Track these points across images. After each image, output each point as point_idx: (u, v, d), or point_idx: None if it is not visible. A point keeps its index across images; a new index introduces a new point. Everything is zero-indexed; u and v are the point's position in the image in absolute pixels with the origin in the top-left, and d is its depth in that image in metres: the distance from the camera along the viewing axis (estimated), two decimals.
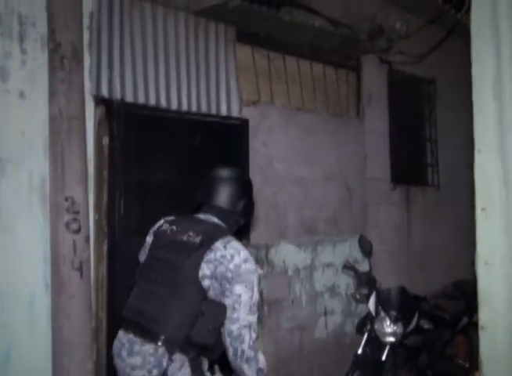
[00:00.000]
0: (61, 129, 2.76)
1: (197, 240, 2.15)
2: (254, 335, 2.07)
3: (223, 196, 2.30)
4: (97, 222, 3.13)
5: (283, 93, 4.27)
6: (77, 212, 2.78)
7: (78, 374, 2.71)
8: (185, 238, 2.18)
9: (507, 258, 2.04)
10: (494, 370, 2.04)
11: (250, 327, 2.06)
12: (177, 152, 3.57)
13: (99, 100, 3.15)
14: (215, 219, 2.29)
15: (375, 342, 3.70)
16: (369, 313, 3.76)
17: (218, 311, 2.08)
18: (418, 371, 4.09)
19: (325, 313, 4.54)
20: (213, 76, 3.79)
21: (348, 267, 3.97)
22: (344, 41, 4.51)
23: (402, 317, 3.67)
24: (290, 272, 4.26)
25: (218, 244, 2.12)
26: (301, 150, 4.35)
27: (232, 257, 2.10)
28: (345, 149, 4.71)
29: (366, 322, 3.78)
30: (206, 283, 2.09)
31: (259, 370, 2.11)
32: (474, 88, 2.09)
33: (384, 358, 3.61)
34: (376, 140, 5.09)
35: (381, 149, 5.16)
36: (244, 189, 2.37)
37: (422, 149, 5.80)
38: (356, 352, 3.66)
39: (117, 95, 3.26)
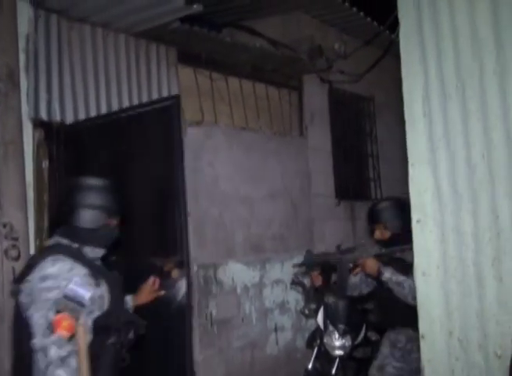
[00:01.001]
0: None
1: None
2: (51, 357, 1.80)
3: (69, 211, 2.00)
4: (38, 248, 3.05)
5: (226, 113, 4.32)
6: (16, 238, 2.70)
7: None
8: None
9: (442, 268, 2.12)
10: None
11: (44, 350, 1.80)
12: (122, 170, 3.27)
13: (38, 123, 3.11)
14: (59, 239, 2.01)
15: (325, 356, 3.73)
16: (318, 328, 3.79)
17: None
18: None
19: (275, 330, 4.56)
20: (155, 97, 3.79)
21: (296, 282, 4.00)
22: (284, 61, 4.62)
23: (350, 330, 3.71)
24: (239, 291, 4.26)
25: (31, 275, 1.88)
26: (246, 168, 4.39)
27: (33, 278, 1.86)
28: (289, 166, 4.79)
29: (316, 336, 3.81)
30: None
31: None
32: (405, 104, 2.19)
33: (333, 372, 3.64)
34: (320, 157, 5.20)
35: (325, 166, 5.27)
36: (83, 197, 2.02)
37: (364, 164, 5.96)
38: (307, 367, 3.68)
39: (57, 117, 3.21)
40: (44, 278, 1.84)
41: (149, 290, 2.37)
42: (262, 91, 4.68)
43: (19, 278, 1.91)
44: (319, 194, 5.13)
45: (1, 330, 2.63)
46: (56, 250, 1.93)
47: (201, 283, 3.95)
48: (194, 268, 3.88)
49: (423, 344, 2.15)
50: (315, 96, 5.21)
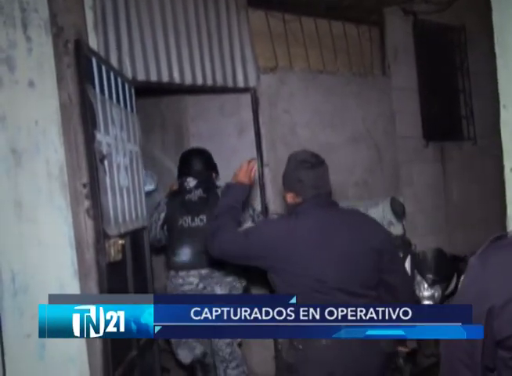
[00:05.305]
0: (72, 115, 2.72)
1: None
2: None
3: None
4: None
5: (301, 57, 4.12)
6: (95, 198, 2.76)
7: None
8: None
9: None
10: None
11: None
12: None
13: None
14: None
15: None
16: None
17: None
18: None
19: None
20: (226, 46, 3.67)
21: None
22: None
23: (439, 280, 3.56)
24: None
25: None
26: (325, 114, 4.21)
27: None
28: (372, 109, 4.53)
29: None
30: None
31: None
32: (496, 38, 1.93)
33: None
34: (405, 96, 4.88)
35: (411, 105, 4.95)
36: None
37: (455, 101, 5.53)
38: None
39: (128, 74, 3.19)
40: None
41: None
42: (339, 29, 4.39)
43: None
44: (405, 136, 4.85)
45: (88, 286, 2.74)
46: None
47: None
48: (274, 218, 3.83)
49: None
50: (398, 30, 4.84)
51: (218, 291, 3.42)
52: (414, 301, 2.40)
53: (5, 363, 2.63)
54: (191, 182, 3.59)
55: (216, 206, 2.45)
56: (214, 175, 3.71)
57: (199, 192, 3.57)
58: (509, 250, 1.23)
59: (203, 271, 3.43)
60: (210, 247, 2.31)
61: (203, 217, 3.45)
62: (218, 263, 3.06)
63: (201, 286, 3.44)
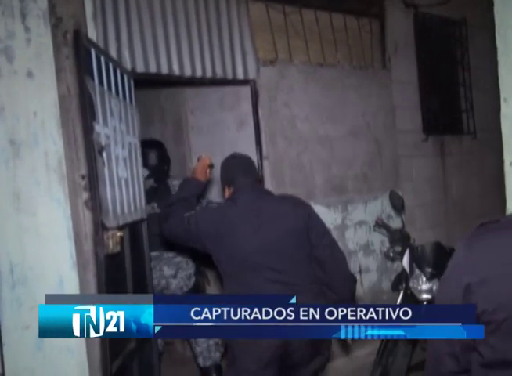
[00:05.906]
0: (70, 107, 2.70)
1: None
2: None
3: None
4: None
5: (301, 49, 4.10)
6: (94, 189, 2.74)
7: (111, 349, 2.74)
8: None
9: None
10: None
11: None
12: None
13: None
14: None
15: (411, 300, 3.62)
16: (403, 271, 3.67)
17: None
18: None
19: (360, 272, 4.48)
20: (226, 37, 3.64)
21: (380, 225, 3.86)
22: None
23: (437, 273, 3.56)
24: None
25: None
26: (325, 107, 4.19)
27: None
28: (372, 102, 4.52)
29: (401, 280, 3.70)
30: None
31: None
32: (498, 31, 1.91)
33: None
34: (405, 90, 4.87)
35: (411, 99, 4.93)
36: None
37: (455, 95, 5.52)
38: None
39: (127, 65, 3.17)
40: None
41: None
42: (340, 21, 4.37)
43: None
44: (404, 130, 4.84)
45: (87, 277, 2.74)
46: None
47: None
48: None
49: None
50: (399, 23, 4.81)
51: (166, 270, 3.72)
52: (346, 277, 2.58)
53: (4, 354, 2.63)
54: (144, 172, 3.69)
55: (170, 195, 2.76)
56: (166, 167, 3.90)
57: (150, 182, 3.76)
58: (493, 234, 1.30)
59: (154, 253, 3.64)
60: (162, 230, 2.70)
61: (154, 205, 3.68)
62: (168, 246, 3.45)
63: (151, 265, 3.69)
